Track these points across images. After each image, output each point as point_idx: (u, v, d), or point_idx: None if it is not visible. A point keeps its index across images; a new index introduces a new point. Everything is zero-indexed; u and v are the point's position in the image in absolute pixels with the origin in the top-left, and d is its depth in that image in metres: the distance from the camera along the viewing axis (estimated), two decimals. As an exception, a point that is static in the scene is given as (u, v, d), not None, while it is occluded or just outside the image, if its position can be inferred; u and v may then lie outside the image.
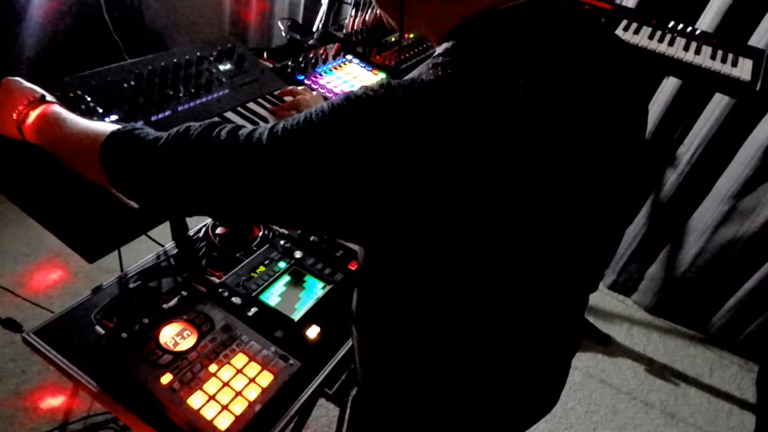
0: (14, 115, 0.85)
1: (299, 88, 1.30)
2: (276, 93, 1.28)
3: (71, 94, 0.99)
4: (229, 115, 1.18)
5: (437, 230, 0.62)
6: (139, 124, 0.78)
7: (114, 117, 1.01)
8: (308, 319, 1.10)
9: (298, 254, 1.24)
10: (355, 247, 1.29)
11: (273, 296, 1.13)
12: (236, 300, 1.09)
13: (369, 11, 1.74)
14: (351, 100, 0.60)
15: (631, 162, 0.77)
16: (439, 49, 0.66)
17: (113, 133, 0.76)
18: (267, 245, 1.26)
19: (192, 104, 1.14)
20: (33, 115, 0.85)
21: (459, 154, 0.57)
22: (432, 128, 0.57)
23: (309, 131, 0.62)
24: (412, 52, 1.79)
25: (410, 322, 0.78)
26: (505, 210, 0.61)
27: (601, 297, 2.79)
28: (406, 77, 0.62)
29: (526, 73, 0.61)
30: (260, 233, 1.33)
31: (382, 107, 0.59)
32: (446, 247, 0.64)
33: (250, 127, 0.68)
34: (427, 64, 0.63)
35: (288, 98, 1.26)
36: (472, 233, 0.62)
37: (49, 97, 0.89)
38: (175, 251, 1.25)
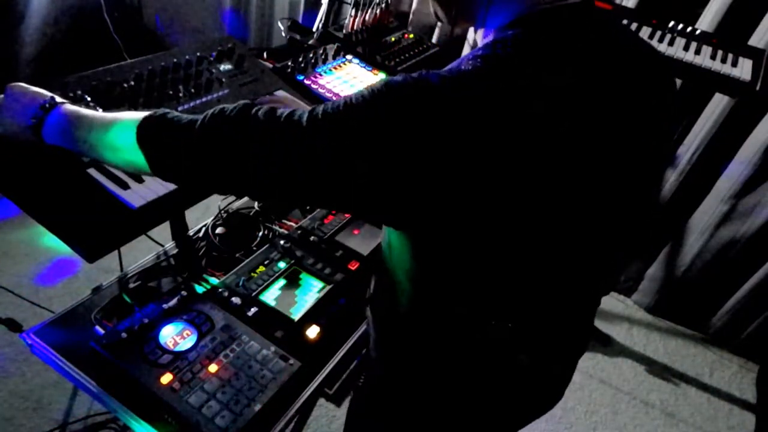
0: (31, 120, 0.85)
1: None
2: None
3: (71, 94, 1.00)
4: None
5: (469, 214, 0.63)
6: (164, 109, 0.79)
7: (114, 117, 1.01)
8: (308, 319, 1.10)
9: (298, 254, 1.24)
10: (355, 246, 1.29)
11: (273, 296, 1.13)
12: (236, 300, 1.09)
13: (369, 11, 1.74)
14: (391, 86, 0.62)
15: (654, 165, 0.80)
16: (480, 43, 0.69)
17: (147, 119, 0.76)
18: (267, 245, 1.26)
19: (192, 104, 1.14)
20: (51, 118, 0.85)
21: (495, 143, 0.59)
22: (470, 117, 0.59)
23: (349, 116, 0.63)
24: (412, 53, 1.80)
25: (429, 307, 0.80)
26: (535, 201, 0.64)
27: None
28: (446, 67, 0.64)
29: (561, 70, 0.63)
30: (260, 233, 1.33)
31: (421, 96, 0.60)
32: (478, 232, 0.66)
33: (287, 108, 0.69)
34: (467, 56, 0.65)
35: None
36: (505, 221, 0.64)
37: (58, 99, 0.89)
38: (175, 251, 1.25)
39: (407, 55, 1.77)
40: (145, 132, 0.76)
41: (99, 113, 0.85)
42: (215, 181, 0.73)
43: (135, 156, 0.77)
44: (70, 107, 0.87)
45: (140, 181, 0.97)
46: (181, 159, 0.74)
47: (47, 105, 0.86)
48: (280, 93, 1.33)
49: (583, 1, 0.69)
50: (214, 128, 0.71)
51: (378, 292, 0.92)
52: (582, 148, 0.65)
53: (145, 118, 0.76)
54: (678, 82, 2.29)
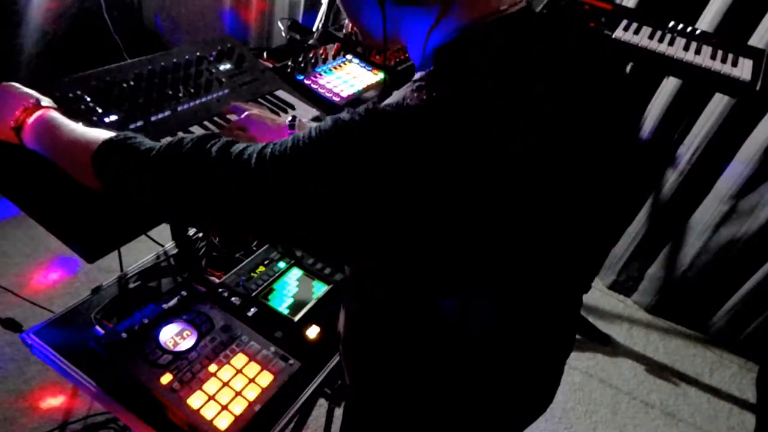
0: (12, 122, 0.85)
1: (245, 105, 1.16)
2: (223, 111, 1.18)
3: (71, 94, 0.99)
4: (229, 115, 1.18)
5: (426, 250, 0.62)
6: (132, 132, 0.79)
7: (113, 117, 1.01)
8: (308, 319, 1.10)
9: (297, 254, 1.24)
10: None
11: (273, 296, 1.13)
12: (236, 300, 1.09)
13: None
14: (338, 126, 0.60)
15: (622, 168, 0.77)
16: (421, 72, 0.66)
17: (106, 141, 0.76)
18: (267, 245, 1.26)
19: (192, 104, 1.14)
20: (29, 121, 0.85)
21: (448, 177, 0.57)
22: (419, 154, 0.57)
23: (295, 159, 0.61)
24: (412, 52, 1.79)
25: (401, 330, 0.77)
26: (496, 227, 0.61)
27: (601, 297, 2.78)
28: (390, 100, 0.61)
29: (508, 91, 0.61)
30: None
31: (369, 136, 0.58)
32: (434, 265, 0.64)
33: (242, 144, 0.68)
34: (410, 86, 0.62)
35: (233, 117, 1.15)
36: (461, 249, 0.62)
37: (44, 102, 0.89)
38: (175, 251, 1.25)
39: (407, 54, 1.77)
40: (101, 154, 0.76)
41: (72, 125, 0.85)
42: (162, 211, 0.73)
43: (92, 175, 0.77)
44: (49, 113, 0.86)
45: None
46: (130, 186, 0.73)
47: (30, 108, 0.86)
48: (280, 93, 1.33)
49: (522, 9, 0.66)
50: (167, 160, 0.70)
51: (347, 325, 0.91)
52: (540, 167, 0.62)
53: (105, 141, 0.76)
54: (678, 82, 2.29)
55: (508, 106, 0.59)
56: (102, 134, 0.79)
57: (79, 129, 0.84)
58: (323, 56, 1.56)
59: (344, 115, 0.60)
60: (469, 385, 0.80)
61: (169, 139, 0.73)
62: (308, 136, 0.61)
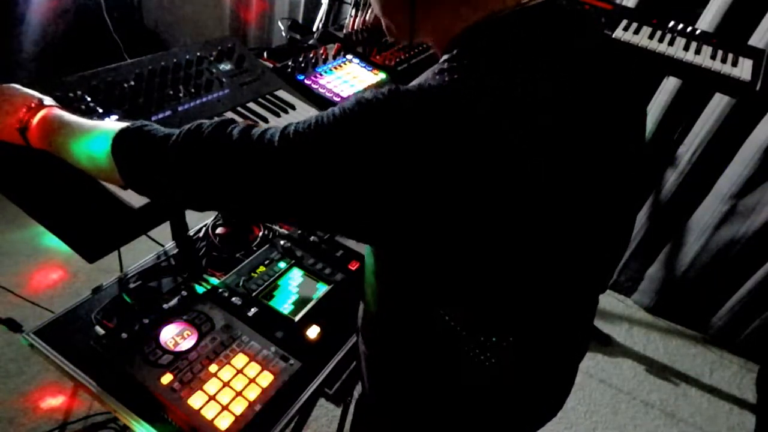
0: (16, 123, 0.85)
1: None
2: None
3: (71, 94, 0.99)
4: (229, 115, 1.18)
5: (446, 233, 0.62)
6: (145, 120, 0.79)
7: (114, 117, 1.01)
8: (308, 319, 1.10)
9: (298, 254, 1.24)
10: (355, 246, 1.29)
11: (273, 296, 1.13)
12: (236, 300, 1.09)
13: (369, 11, 1.74)
14: (361, 104, 0.61)
15: (633, 163, 0.78)
16: (443, 57, 0.67)
17: (124, 130, 0.76)
18: (267, 245, 1.26)
19: (192, 104, 1.14)
20: (35, 121, 0.85)
21: (466, 158, 0.58)
22: (439, 133, 0.58)
23: (320, 136, 0.62)
24: (411, 53, 1.79)
25: (421, 329, 0.78)
26: (514, 214, 0.62)
27: (602, 297, 2.77)
28: (413, 83, 0.63)
29: (528, 77, 0.62)
30: (260, 233, 1.33)
31: (390, 114, 0.59)
32: (456, 251, 0.64)
33: (262, 126, 0.68)
34: (433, 70, 0.64)
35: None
36: (481, 237, 0.63)
37: (47, 101, 0.88)
38: (175, 251, 1.25)
39: (407, 54, 1.77)
40: (119, 144, 0.75)
41: (81, 120, 0.85)
42: (186, 198, 0.73)
43: (111, 167, 0.77)
44: (55, 111, 0.86)
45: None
46: (151, 174, 0.73)
47: (34, 108, 0.86)
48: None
49: (545, 2, 0.67)
50: (187, 145, 0.70)
51: (362, 318, 0.91)
52: (555, 158, 0.63)
53: (122, 130, 0.76)
54: (678, 82, 2.29)
55: (526, 95, 0.61)
56: (115, 125, 0.78)
57: (89, 123, 0.83)
58: (323, 56, 1.56)
59: (367, 94, 0.62)
60: (484, 387, 0.80)
61: (186, 126, 0.73)
62: (332, 114, 0.62)
